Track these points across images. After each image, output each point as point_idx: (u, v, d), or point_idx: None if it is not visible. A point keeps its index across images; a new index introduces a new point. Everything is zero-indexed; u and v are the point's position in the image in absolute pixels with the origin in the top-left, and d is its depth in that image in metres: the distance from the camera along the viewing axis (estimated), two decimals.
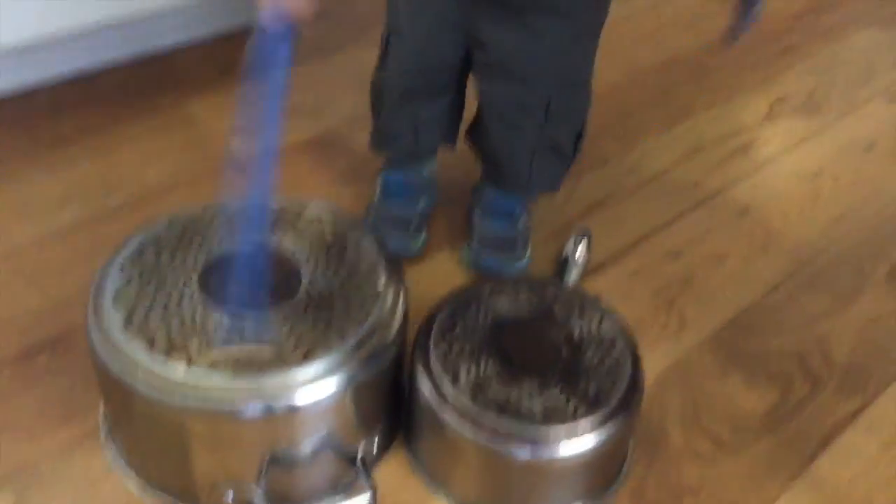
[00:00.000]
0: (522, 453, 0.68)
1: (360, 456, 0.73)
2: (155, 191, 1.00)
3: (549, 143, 0.90)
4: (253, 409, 0.65)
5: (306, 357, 0.66)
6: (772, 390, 0.87)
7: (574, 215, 1.03)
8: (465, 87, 0.92)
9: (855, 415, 0.85)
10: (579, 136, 0.92)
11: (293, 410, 0.66)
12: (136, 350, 0.66)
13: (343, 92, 1.19)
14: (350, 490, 0.72)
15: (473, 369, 0.71)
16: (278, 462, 0.69)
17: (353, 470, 0.72)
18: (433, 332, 0.73)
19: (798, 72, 1.36)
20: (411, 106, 0.91)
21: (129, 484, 0.72)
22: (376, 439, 0.75)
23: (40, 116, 1.10)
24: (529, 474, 0.70)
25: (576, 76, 0.88)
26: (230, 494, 0.70)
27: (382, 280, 0.73)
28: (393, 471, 0.75)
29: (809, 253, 1.03)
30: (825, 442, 0.82)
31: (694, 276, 0.98)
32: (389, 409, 0.76)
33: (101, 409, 0.77)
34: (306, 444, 0.69)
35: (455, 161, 1.00)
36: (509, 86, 0.86)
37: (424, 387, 0.71)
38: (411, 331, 0.74)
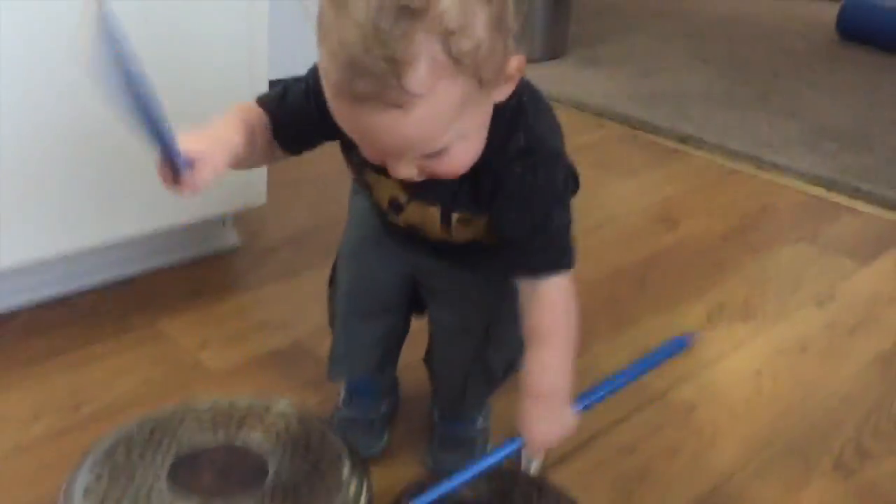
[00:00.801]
0: None
1: None
2: (124, 402, 1.04)
3: (483, 367, 0.95)
4: None
5: None
6: None
7: None
8: (407, 311, 0.98)
9: None
10: (511, 366, 0.95)
11: None
12: None
13: (311, 306, 1.26)
14: None
15: None
16: None
17: None
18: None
19: (731, 283, 1.47)
20: (354, 326, 0.96)
21: None
22: None
23: (15, 338, 1.15)
24: None
25: (515, 306, 0.90)
26: None
27: (346, 470, 0.77)
28: None
29: (756, 446, 1.08)
30: None
31: (649, 469, 1.02)
32: None
33: None
34: None
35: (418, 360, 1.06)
36: (452, 310, 0.93)
37: None
38: None
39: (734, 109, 2.33)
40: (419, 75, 0.65)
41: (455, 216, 0.85)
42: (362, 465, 0.78)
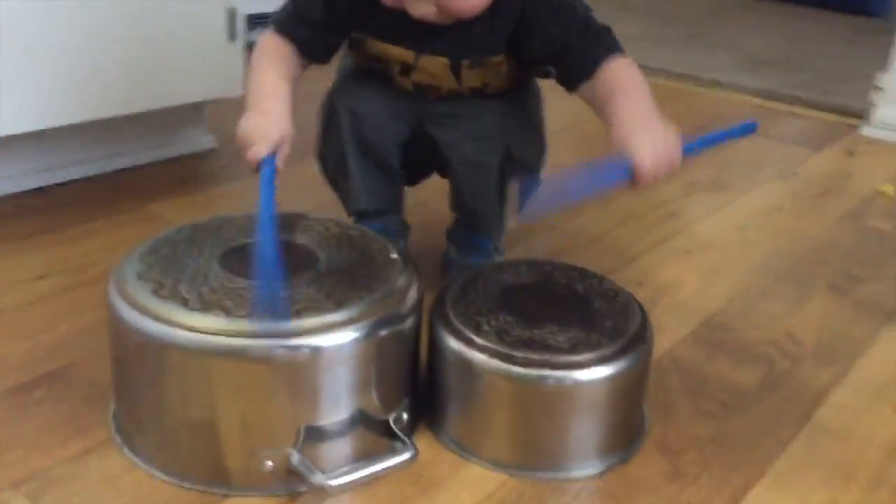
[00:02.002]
0: (555, 381, 0.69)
1: (392, 423, 0.72)
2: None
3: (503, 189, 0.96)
4: (296, 349, 0.65)
5: (339, 305, 0.68)
6: (758, 367, 0.91)
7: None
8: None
9: (838, 378, 0.90)
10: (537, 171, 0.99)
11: (331, 352, 0.66)
12: (170, 310, 0.66)
13: (300, 192, 1.24)
14: (390, 454, 0.70)
15: (493, 321, 0.73)
16: (315, 428, 0.68)
17: (390, 435, 0.71)
18: (448, 298, 0.76)
19: (698, 167, 1.52)
20: (368, 159, 0.95)
21: (155, 474, 0.69)
22: (404, 415, 0.74)
23: (5, 217, 1.10)
24: (562, 407, 0.71)
25: (526, 120, 0.96)
26: (268, 464, 0.67)
27: (395, 254, 0.77)
28: (423, 448, 0.73)
29: (755, 276, 1.12)
30: (819, 398, 0.87)
31: (659, 299, 1.04)
32: (411, 386, 0.76)
33: (113, 412, 0.74)
34: (340, 402, 0.69)
35: (424, 208, 1.07)
36: (469, 137, 0.92)
37: (450, 341, 0.72)
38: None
39: (667, 48, 2.42)
40: None
41: (465, 62, 0.88)
42: (408, 254, 0.78)
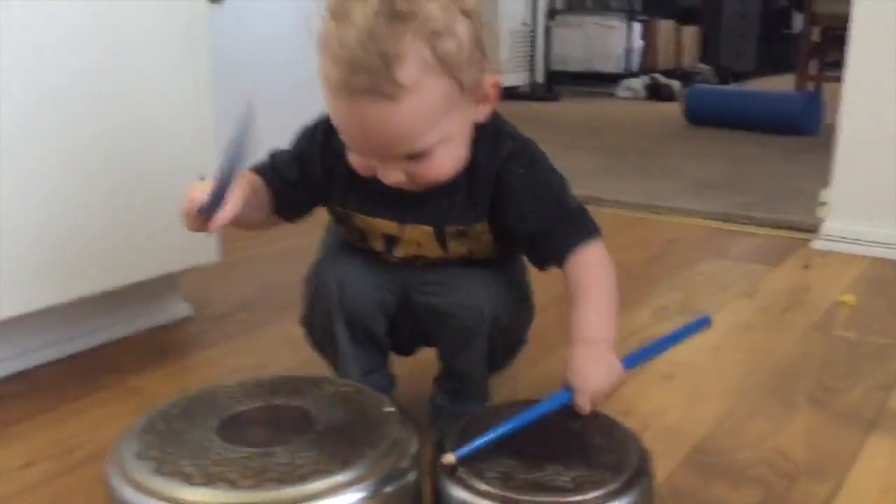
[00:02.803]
0: None
1: None
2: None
3: (502, 349, 0.98)
4: None
5: (344, 465, 0.68)
6: (755, 489, 0.92)
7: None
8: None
9: (834, 492, 0.91)
10: (511, 351, 1.00)
11: None
12: (174, 487, 0.65)
13: (281, 350, 1.26)
14: None
15: (496, 467, 0.74)
16: None
17: None
18: (447, 447, 0.76)
19: (666, 292, 1.57)
20: (347, 344, 0.97)
21: None
22: None
23: None
24: None
25: (512, 287, 0.97)
26: None
27: (390, 407, 0.77)
28: None
29: (737, 396, 1.14)
30: None
31: (648, 425, 1.06)
32: None
33: None
34: None
35: (410, 363, 1.08)
36: (453, 315, 0.93)
37: (455, 491, 0.72)
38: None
39: (617, 178, 2.52)
40: (408, 69, 0.76)
41: (449, 230, 0.91)
42: (403, 409, 0.79)
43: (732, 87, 4.96)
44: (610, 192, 2.30)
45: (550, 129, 3.44)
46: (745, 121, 3.38)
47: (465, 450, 0.75)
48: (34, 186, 1.10)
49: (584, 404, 0.82)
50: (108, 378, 1.17)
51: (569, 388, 0.82)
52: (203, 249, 1.30)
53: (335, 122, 0.83)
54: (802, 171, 2.54)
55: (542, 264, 0.92)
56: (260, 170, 0.94)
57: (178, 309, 1.39)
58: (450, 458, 0.73)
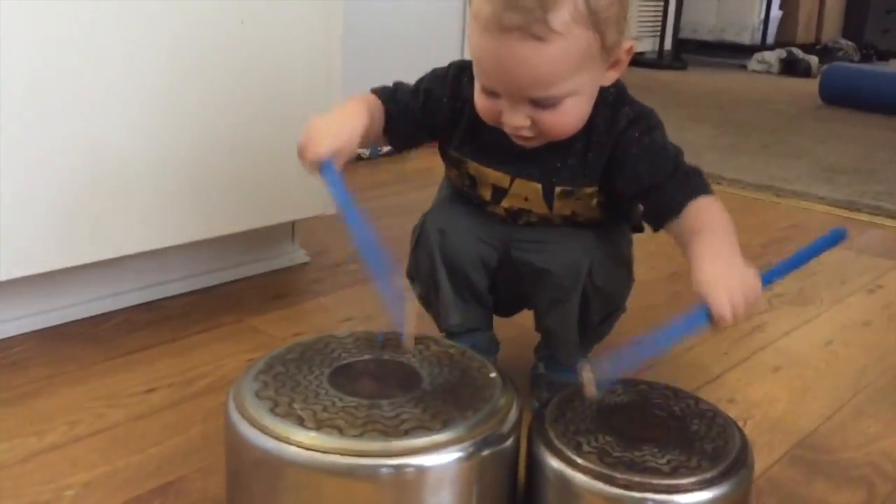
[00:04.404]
0: None
1: None
2: (235, 377, 1.05)
3: (598, 313, 0.98)
4: (402, 468, 0.68)
5: (445, 424, 0.71)
6: (858, 491, 0.90)
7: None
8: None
9: None
10: (609, 316, 1.00)
11: (436, 471, 0.69)
12: (287, 428, 0.69)
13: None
14: None
15: (593, 441, 0.75)
16: None
17: None
18: (546, 417, 0.78)
19: (782, 280, 1.52)
20: (449, 292, 0.99)
21: None
22: None
23: (113, 334, 1.16)
24: None
25: (612, 251, 0.99)
26: None
27: (494, 373, 0.79)
28: None
29: (846, 394, 1.11)
30: None
31: (751, 415, 1.04)
32: (510, 503, 0.77)
33: None
34: None
35: (516, 330, 1.09)
36: (551, 272, 0.94)
37: (551, 461, 0.74)
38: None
39: (742, 157, 2.44)
40: (561, 15, 0.78)
41: (557, 190, 0.92)
42: (506, 374, 0.81)
43: (875, 66, 4.70)
44: (731, 170, 2.24)
45: (675, 100, 3.36)
46: (885, 104, 3.21)
47: (604, 381, 0.77)
48: (168, 132, 1.16)
49: (723, 313, 0.75)
50: (228, 315, 1.23)
51: (703, 306, 0.76)
52: (321, 200, 1.34)
53: (476, 57, 0.85)
54: None
55: (658, 220, 0.91)
56: (380, 92, 0.97)
57: (296, 255, 1.45)
58: (591, 389, 0.76)
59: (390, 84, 0.99)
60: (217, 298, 1.30)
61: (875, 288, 1.51)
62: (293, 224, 1.43)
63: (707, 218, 0.86)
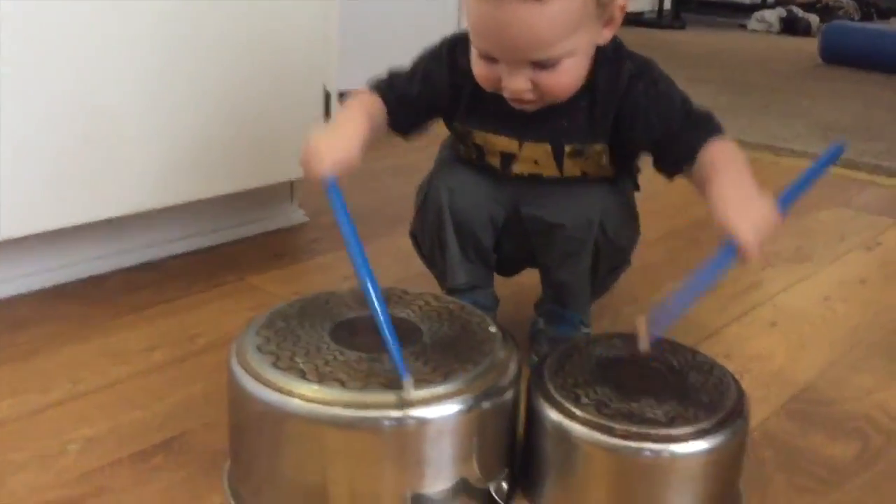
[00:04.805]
0: (652, 454, 0.71)
1: (493, 492, 0.75)
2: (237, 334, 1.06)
3: (607, 265, 0.99)
4: (403, 420, 0.69)
5: (445, 377, 0.71)
6: (852, 442, 0.91)
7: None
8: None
9: None
10: (615, 269, 1.02)
11: (437, 423, 0.70)
12: (289, 381, 0.70)
13: (389, 263, 1.30)
14: None
15: (591, 393, 0.76)
16: (420, 496, 0.71)
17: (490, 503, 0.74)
18: (545, 370, 0.79)
19: (780, 237, 1.53)
20: (456, 250, 0.99)
21: None
22: (503, 484, 0.77)
23: (114, 294, 1.17)
24: (658, 480, 0.72)
25: (621, 204, 0.98)
26: None
27: (494, 328, 0.80)
28: None
29: (843, 348, 1.12)
30: None
31: (749, 369, 1.05)
32: (510, 455, 0.78)
33: (227, 477, 0.78)
34: (444, 471, 0.72)
35: (513, 289, 1.10)
36: (561, 223, 0.94)
37: (550, 412, 0.75)
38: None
39: (741, 116, 2.44)
40: None
41: (567, 149, 0.92)
42: (506, 330, 0.81)
43: (875, 24, 4.67)
44: (730, 129, 2.22)
45: (674, 60, 3.34)
46: (886, 63, 3.19)
47: (657, 332, 0.78)
48: (166, 93, 1.15)
49: (749, 244, 0.76)
50: (229, 275, 1.24)
51: (730, 244, 0.77)
52: None
53: (474, 23, 0.85)
54: None
55: (672, 167, 0.91)
56: (376, 86, 0.97)
57: (295, 215, 1.45)
58: (644, 346, 0.78)
59: (384, 72, 0.99)
60: (218, 258, 1.30)
61: (873, 245, 1.52)
62: (292, 184, 1.43)
63: (722, 158, 0.86)
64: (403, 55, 1.00)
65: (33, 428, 0.87)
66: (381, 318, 0.73)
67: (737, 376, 0.84)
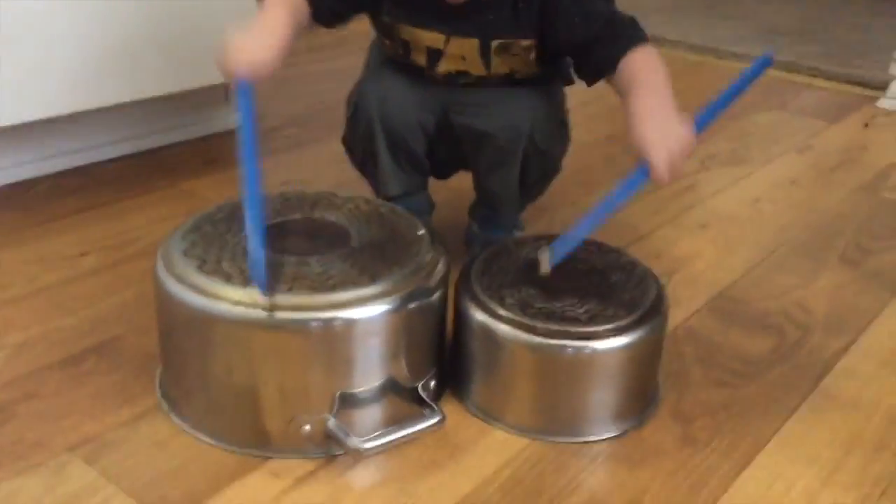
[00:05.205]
0: (574, 350, 0.74)
1: (421, 390, 0.77)
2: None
3: (536, 173, 0.99)
4: (331, 321, 0.70)
5: (373, 279, 0.72)
6: (769, 337, 0.95)
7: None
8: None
9: (847, 347, 0.94)
10: (545, 175, 1.01)
11: (364, 324, 0.71)
12: (215, 285, 0.70)
13: (326, 168, 1.29)
14: (419, 419, 0.75)
15: (516, 294, 0.78)
16: (349, 395, 0.73)
17: (418, 402, 0.76)
18: (472, 272, 0.80)
19: (716, 140, 1.55)
20: (388, 160, 0.98)
21: (201, 438, 0.74)
22: (431, 383, 0.79)
23: (45, 198, 1.15)
24: (580, 375, 0.75)
25: (551, 111, 0.98)
26: (306, 428, 0.72)
27: (422, 231, 0.81)
28: (449, 414, 0.78)
29: (768, 248, 1.16)
30: (827, 367, 0.90)
31: (676, 270, 1.08)
32: (438, 355, 0.80)
33: (159, 380, 0.79)
34: (372, 370, 0.73)
35: (447, 185, 1.11)
36: (491, 134, 0.94)
37: (475, 313, 0.77)
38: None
39: (688, 17, 2.43)
40: None
41: (494, 44, 0.90)
42: (434, 231, 0.82)
43: None
44: (675, 31, 2.23)
45: None
46: None
47: (558, 256, 0.78)
48: None
49: (661, 171, 0.76)
50: (161, 180, 1.22)
51: (643, 165, 0.77)
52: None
53: None
54: (882, 23, 2.42)
55: (592, 75, 0.91)
56: None
57: (230, 120, 1.42)
58: (545, 268, 0.78)
59: None
60: (150, 163, 1.28)
61: (804, 148, 1.55)
62: (226, 87, 1.40)
63: (641, 71, 0.85)
64: None
65: None
66: (253, 225, 0.72)
67: (664, 277, 0.87)
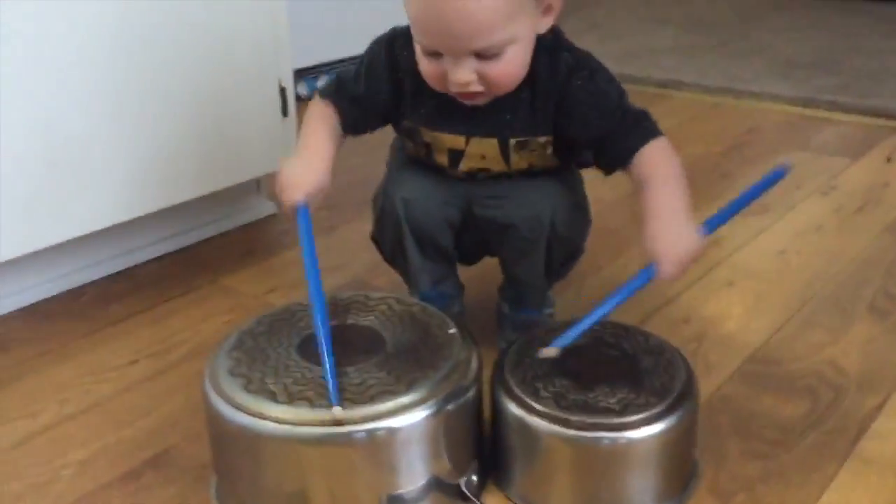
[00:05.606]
0: (609, 442, 0.76)
1: (463, 486, 0.80)
2: (213, 341, 1.09)
3: (560, 258, 1.02)
4: (374, 432, 0.73)
5: (409, 386, 0.76)
6: (803, 400, 0.97)
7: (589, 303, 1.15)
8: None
9: (881, 405, 0.95)
10: (571, 256, 1.04)
11: (405, 431, 0.74)
12: (260, 404, 0.74)
13: (359, 251, 1.33)
14: None
15: (550, 386, 0.80)
16: (396, 496, 0.76)
17: (462, 497, 0.79)
18: (506, 366, 0.83)
19: (739, 187, 1.56)
20: (417, 260, 1.02)
21: None
22: (473, 477, 0.82)
23: (92, 307, 1.20)
24: (616, 464, 0.77)
25: (570, 198, 1.00)
26: None
27: (454, 330, 0.84)
28: None
29: (796, 304, 1.17)
30: (862, 428, 0.92)
31: (705, 333, 1.10)
32: (478, 448, 0.83)
33: (216, 490, 0.83)
34: (416, 472, 0.76)
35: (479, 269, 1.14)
36: (514, 226, 0.97)
37: (511, 407, 0.80)
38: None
39: (702, 57, 2.45)
40: None
41: (512, 142, 0.95)
42: (467, 328, 0.85)
43: None
44: (690, 73, 2.25)
45: (630, 1, 3.33)
46: None
47: (562, 342, 0.81)
48: (123, 107, 1.17)
49: (668, 271, 0.82)
50: (201, 277, 1.27)
51: (651, 264, 0.82)
52: (284, 154, 1.36)
53: (414, 18, 0.87)
54: None
55: (609, 167, 0.95)
56: (327, 94, 0.99)
57: (263, 208, 1.48)
58: (550, 351, 0.81)
59: (333, 79, 1.01)
60: (188, 259, 1.33)
61: (828, 190, 1.56)
62: (258, 179, 1.45)
63: (655, 166, 0.89)
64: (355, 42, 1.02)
65: (25, 456, 0.91)
66: (325, 349, 0.78)
67: (694, 342, 0.89)
